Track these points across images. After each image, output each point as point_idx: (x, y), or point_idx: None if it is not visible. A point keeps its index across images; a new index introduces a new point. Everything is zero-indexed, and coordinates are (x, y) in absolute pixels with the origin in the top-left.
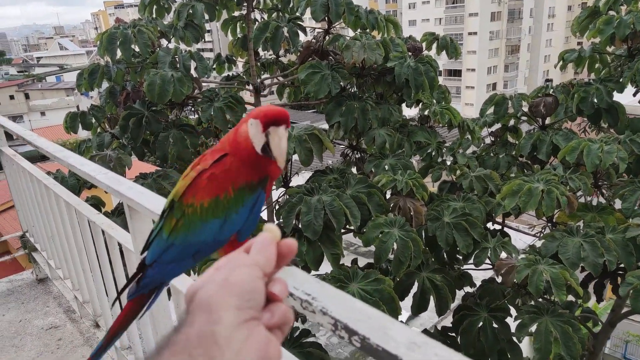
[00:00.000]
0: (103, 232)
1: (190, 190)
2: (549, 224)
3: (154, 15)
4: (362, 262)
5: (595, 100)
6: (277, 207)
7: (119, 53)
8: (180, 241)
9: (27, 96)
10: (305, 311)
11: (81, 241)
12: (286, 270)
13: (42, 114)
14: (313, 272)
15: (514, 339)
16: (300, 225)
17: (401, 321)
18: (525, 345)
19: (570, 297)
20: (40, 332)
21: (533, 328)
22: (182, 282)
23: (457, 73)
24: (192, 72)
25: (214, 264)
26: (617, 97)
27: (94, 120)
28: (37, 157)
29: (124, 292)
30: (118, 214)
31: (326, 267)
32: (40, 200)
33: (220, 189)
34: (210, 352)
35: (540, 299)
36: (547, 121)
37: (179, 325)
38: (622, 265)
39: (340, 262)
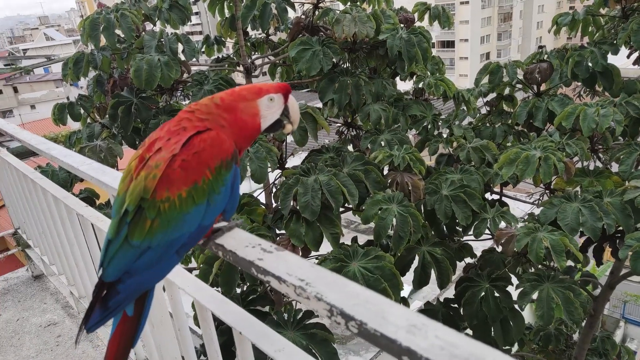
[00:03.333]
0: (93, 225)
1: (162, 185)
2: (547, 191)
3: None
4: (362, 239)
5: (590, 64)
6: (274, 189)
7: (103, 40)
8: (159, 241)
9: (15, 90)
10: (300, 297)
11: (72, 235)
12: (279, 256)
13: (32, 107)
14: (314, 253)
15: (516, 306)
16: (297, 207)
17: (403, 297)
18: (526, 312)
19: (570, 262)
20: (38, 330)
21: (535, 295)
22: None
23: (450, 44)
24: (180, 55)
25: None
26: (610, 59)
27: (82, 111)
28: (30, 152)
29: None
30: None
31: (326, 247)
32: (29, 195)
33: (197, 174)
34: None
35: (540, 266)
36: (542, 87)
37: None
38: (620, 228)
39: (341, 241)
